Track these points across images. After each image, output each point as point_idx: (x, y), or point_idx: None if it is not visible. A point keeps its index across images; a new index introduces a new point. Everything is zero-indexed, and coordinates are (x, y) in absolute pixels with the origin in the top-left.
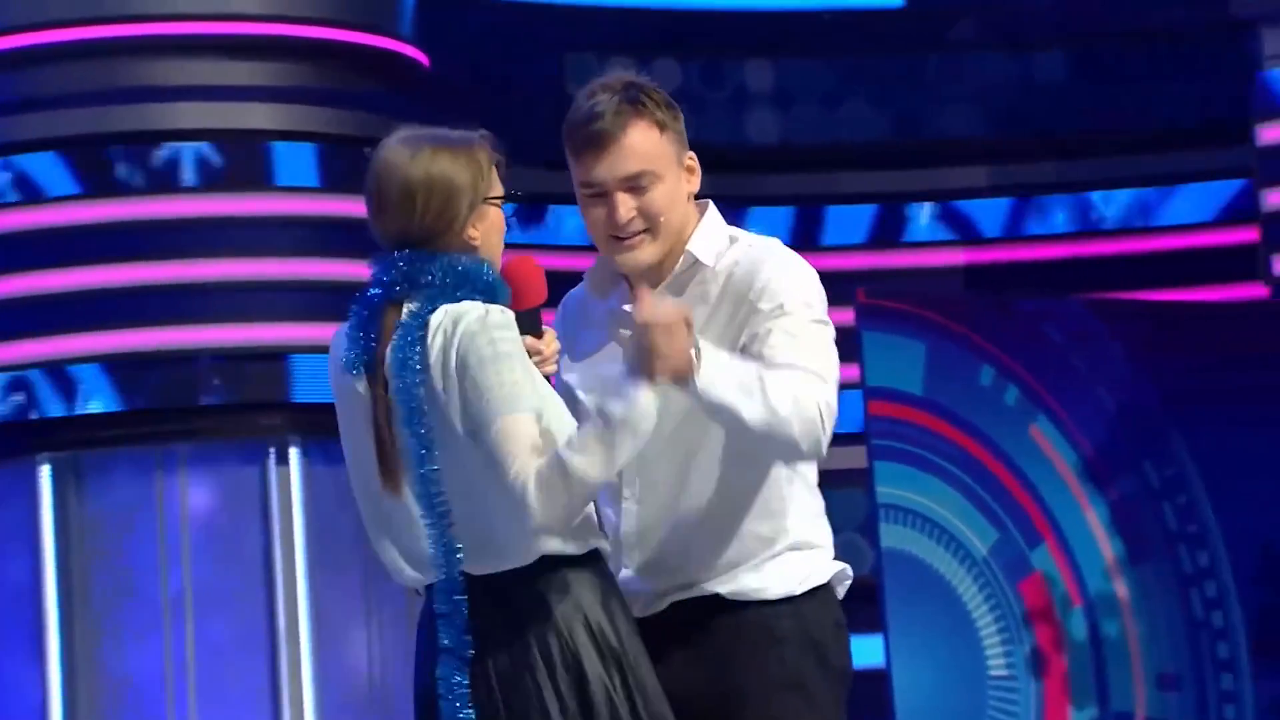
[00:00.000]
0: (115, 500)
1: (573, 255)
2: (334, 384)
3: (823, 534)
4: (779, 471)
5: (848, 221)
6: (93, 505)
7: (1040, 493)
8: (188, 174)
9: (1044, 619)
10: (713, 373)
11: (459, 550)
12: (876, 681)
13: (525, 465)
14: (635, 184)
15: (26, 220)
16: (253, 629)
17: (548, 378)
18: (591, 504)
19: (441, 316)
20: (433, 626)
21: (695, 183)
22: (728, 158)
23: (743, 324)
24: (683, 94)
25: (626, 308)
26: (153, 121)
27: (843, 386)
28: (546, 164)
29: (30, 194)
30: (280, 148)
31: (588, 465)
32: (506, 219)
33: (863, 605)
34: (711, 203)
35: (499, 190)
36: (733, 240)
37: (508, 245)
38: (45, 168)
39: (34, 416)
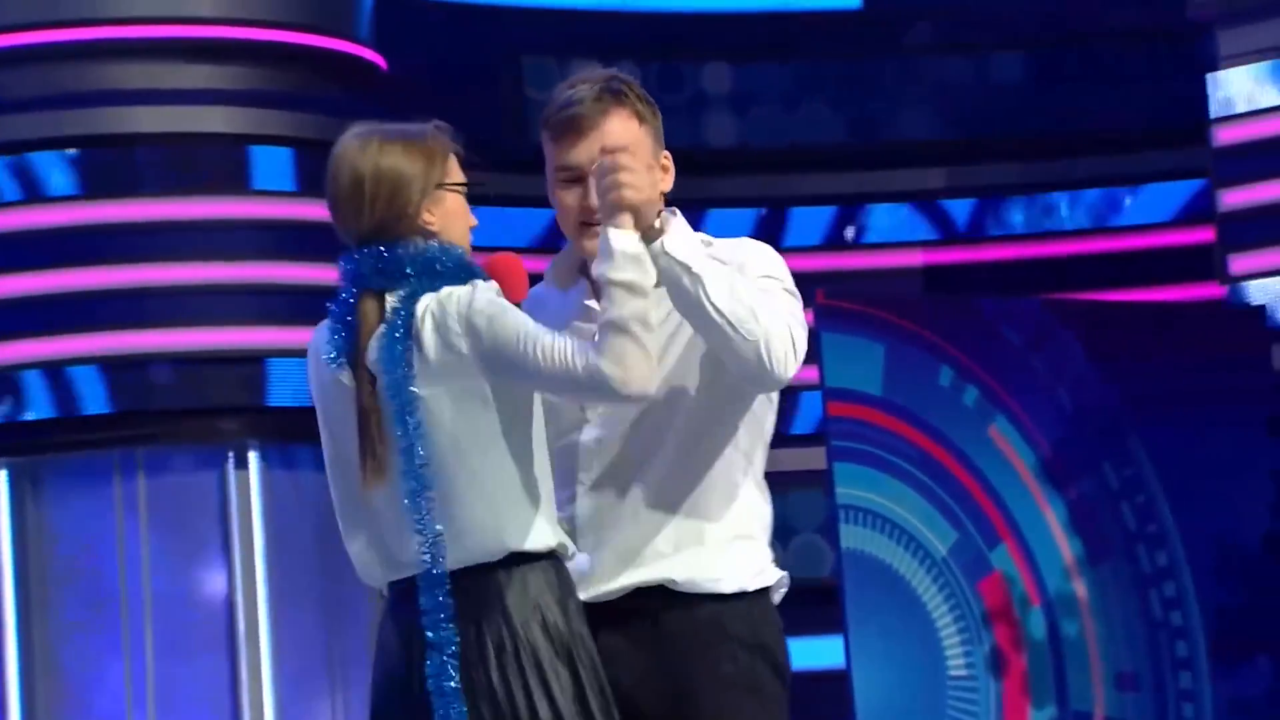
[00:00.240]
0: (73, 505)
1: (530, 257)
2: (314, 380)
3: (767, 530)
4: (734, 459)
5: (807, 223)
6: (51, 511)
7: (999, 493)
8: (147, 177)
9: (1003, 619)
10: (682, 235)
11: (443, 545)
12: (837, 682)
13: (583, 355)
14: None
15: None
16: (212, 632)
17: None
18: (553, 504)
19: (428, 302)
20: (402, 622)
21: (668, 183)
22: (686, 160)
23: None
24: None
25: (589, 303)
26: (109, 125)
27: (802, 388)
28: (506, 166)
29: None
30: (251, 151)
31: (625, 311)
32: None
33: (823, 606)
34: (678, 210)
35: (457, 177)
36: (707, 244)
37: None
38: (2, 171)
39: None
